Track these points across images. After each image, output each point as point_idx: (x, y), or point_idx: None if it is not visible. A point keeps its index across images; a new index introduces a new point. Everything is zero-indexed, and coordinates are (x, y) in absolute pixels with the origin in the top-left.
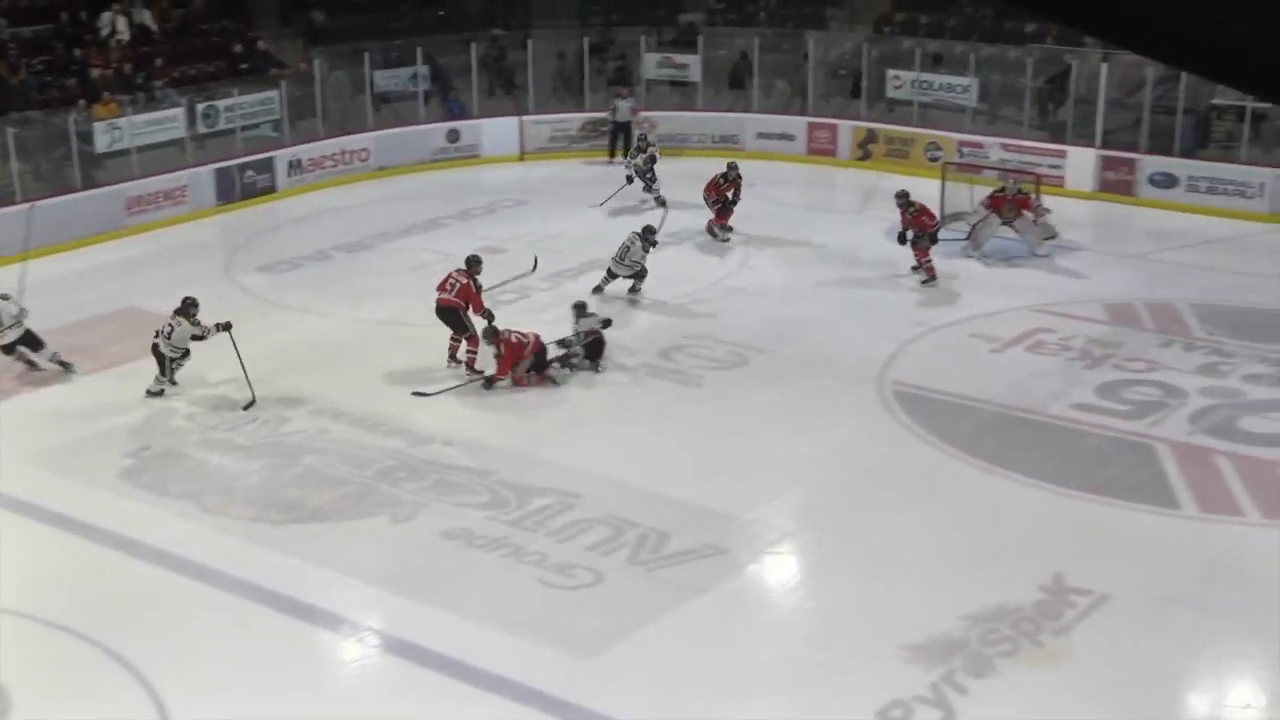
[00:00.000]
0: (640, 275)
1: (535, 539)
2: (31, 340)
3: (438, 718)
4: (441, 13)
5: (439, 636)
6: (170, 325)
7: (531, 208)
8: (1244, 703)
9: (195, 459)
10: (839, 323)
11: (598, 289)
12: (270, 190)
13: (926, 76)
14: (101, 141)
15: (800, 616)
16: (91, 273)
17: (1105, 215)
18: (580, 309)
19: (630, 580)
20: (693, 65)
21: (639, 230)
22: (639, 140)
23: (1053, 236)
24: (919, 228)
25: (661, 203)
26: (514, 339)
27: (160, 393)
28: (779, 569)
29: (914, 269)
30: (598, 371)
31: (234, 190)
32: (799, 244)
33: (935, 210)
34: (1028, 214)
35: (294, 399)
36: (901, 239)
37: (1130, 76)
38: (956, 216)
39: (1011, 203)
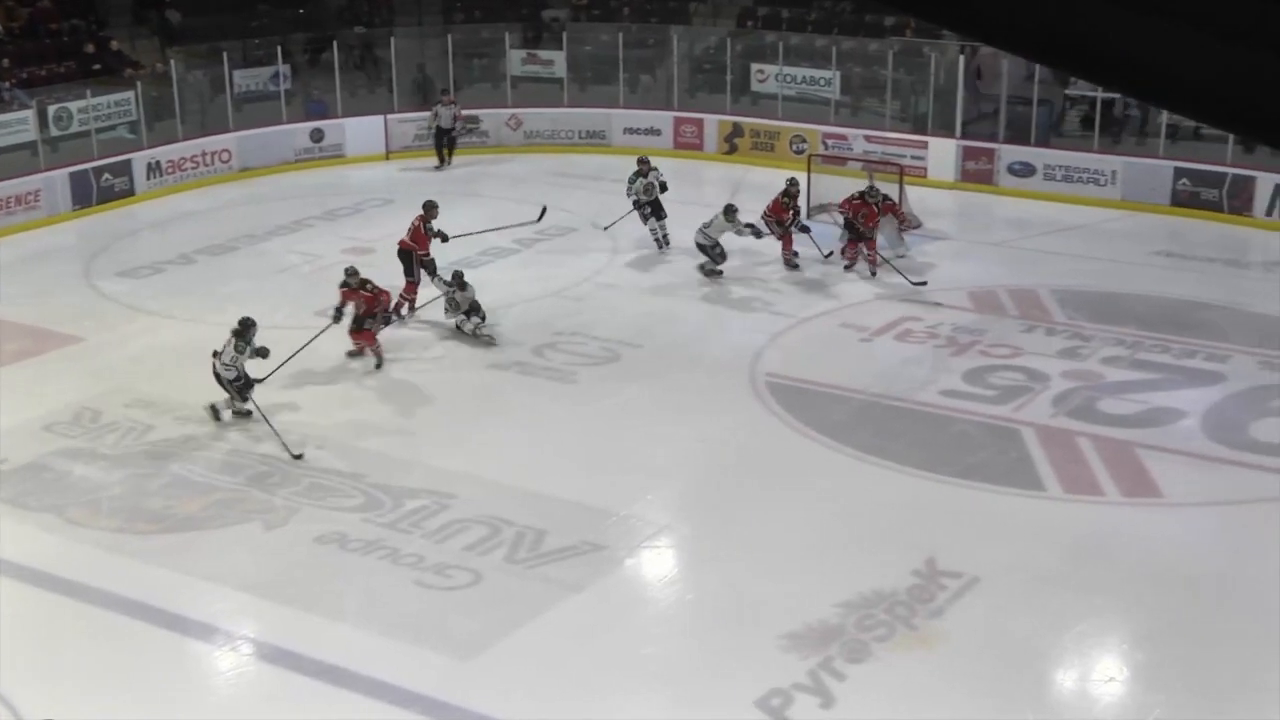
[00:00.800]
0: (715, 255)
1: (411, 540)
2: None
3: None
4: (301, 10)
5: (316, 642)
6: (225, 345)
7: (399, 206)
8: (1108, 676)
9: (57, 470)
10: (710, 316)
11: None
12: (129, 194)
13: (790, 70)
14: None
15: (678, 610)
16: None
17: (967, 204)
18: (458, 278)
19: (508, 579)
20: (558, 61)
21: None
22: (639, 163)
23: (917, 226)
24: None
25: (662, 243)
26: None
27: (216, 414)
28: (656, 563)
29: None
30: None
31: (91, 194)
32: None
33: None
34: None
35: (160, 405)
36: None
37: (989, 68)
38: (824, 208)
39: (866, 208)
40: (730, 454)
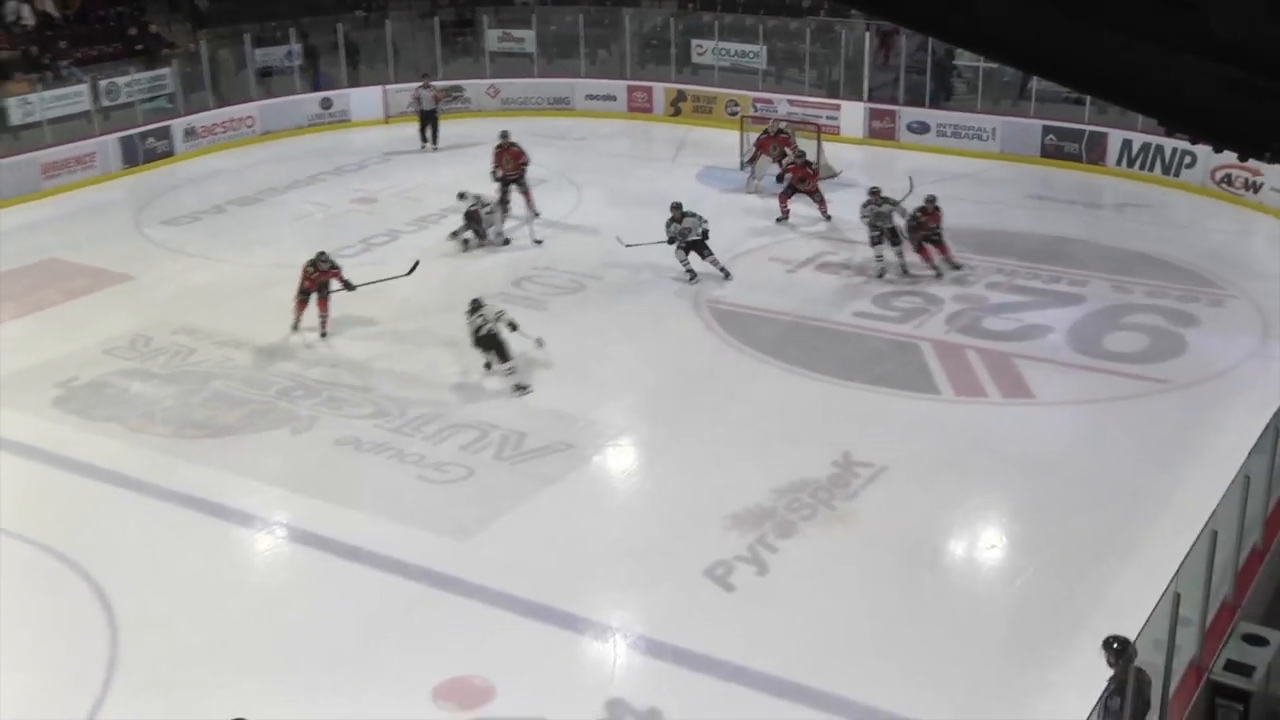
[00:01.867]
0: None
1: (414, 443)
2: None
3: (337, 595)
4: None
5: (336, 528)
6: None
7: (395, 163)
8: (990, 544)
9: (117, 387)
10: (658, 252)
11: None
12: (169, 154)
13: (724, 45)
14: (15, 115)
15: (639, 498)
16: (11, 231)
17: (873, 157)
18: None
19: (496, 474)
20: (528, 39)
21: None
22: (672, 209)
23: (833, 175)
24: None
25: (726, 273)
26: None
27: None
28: (619, 459)
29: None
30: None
31: (137, 155)
32: (624, 188)
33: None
34: (788, 150)
35: (201, 332)
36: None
37: (889, 42)
38: (752, 160)
39: (774, 140)
40: (679, 367)
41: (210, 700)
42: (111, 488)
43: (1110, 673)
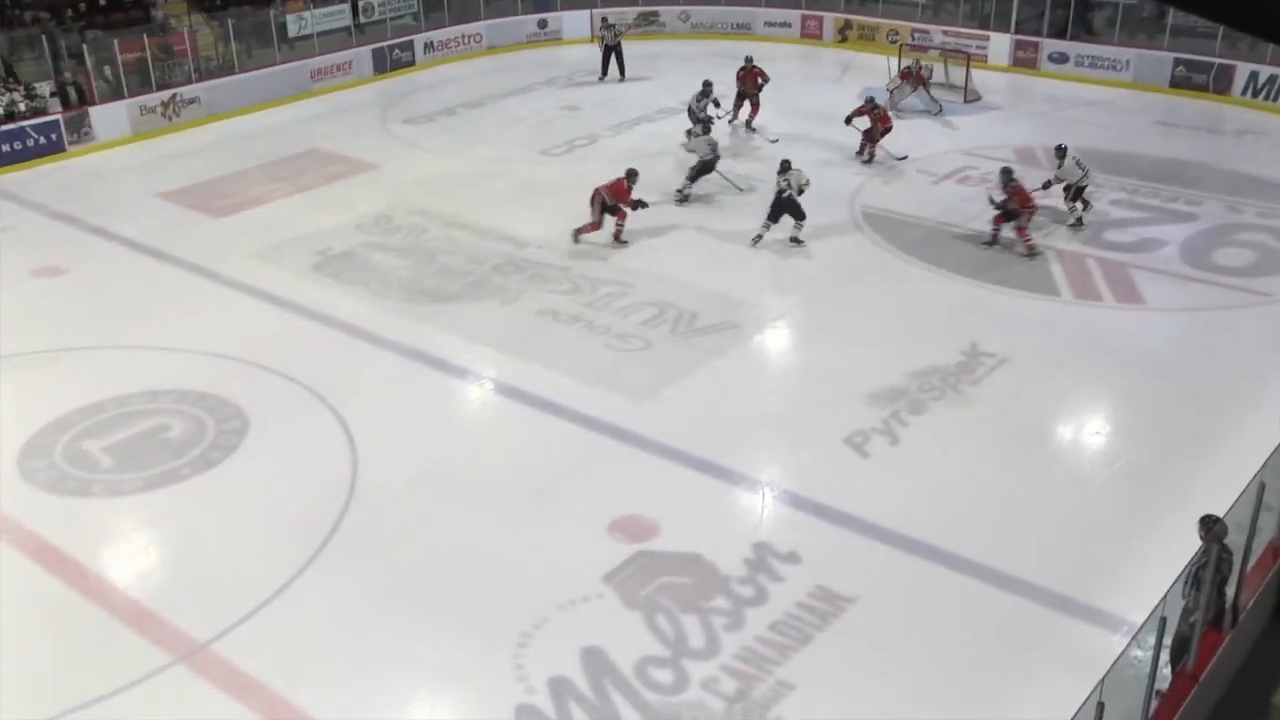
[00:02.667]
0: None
1: (603, 316)
2: None
3: (533, 439)
4: None
5: (536, 384)
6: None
7: (598, 78)
8: (1095, 430)
9: (363, 257)
10: (822, 162)
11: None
12: (412, 64)
13: None
14: (292, 29)
15: (792, 373)
16: (285, 124)
17: (1017, 84)
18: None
19: (671, 346)
20: None
21: None
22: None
23: (978, 98)
24: (1020, 203)
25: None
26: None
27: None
28: (776, 338)
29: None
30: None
31: (386, 64)
32: (796, 103)
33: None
34: (922, 88)
35: (432, 214)
36: (1000, 211)
37: None
38: (896, 85)
39: (915, 78)
40: (832, 262)
41: (425, 522)
42: (354, 340)
43: (1200, 546)
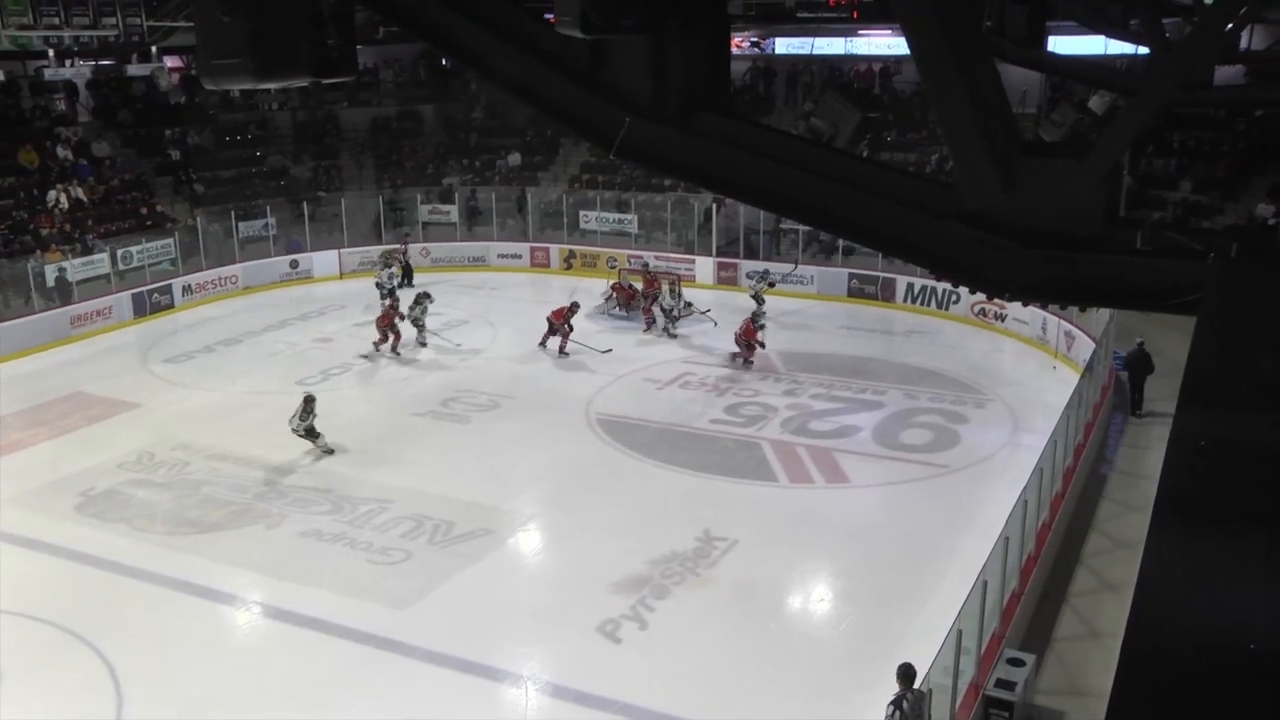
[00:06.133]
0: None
1: (364, 533)
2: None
3: (304, 657)
4: (282, 182)
5: (303, 603)
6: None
7: (350, 310)
8: (820, 598)
9: (125, 494)
10: (557, 377)
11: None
12: (171, 306)
13: (604, 214)
14: (50, 278)
15: (545, 570)
16: (46, 370)
17: (722, 299)
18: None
19: (430, 555)
20: (452, 211)
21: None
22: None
23: (692, 312)
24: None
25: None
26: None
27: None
28: (528, 540)
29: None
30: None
31: (145, 307)
32: (527, 326)
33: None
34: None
35: (194, 448)
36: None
37: (731, 210)
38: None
39: (625, 293)
40: (574, 466)
41: None
42: (116, 576)
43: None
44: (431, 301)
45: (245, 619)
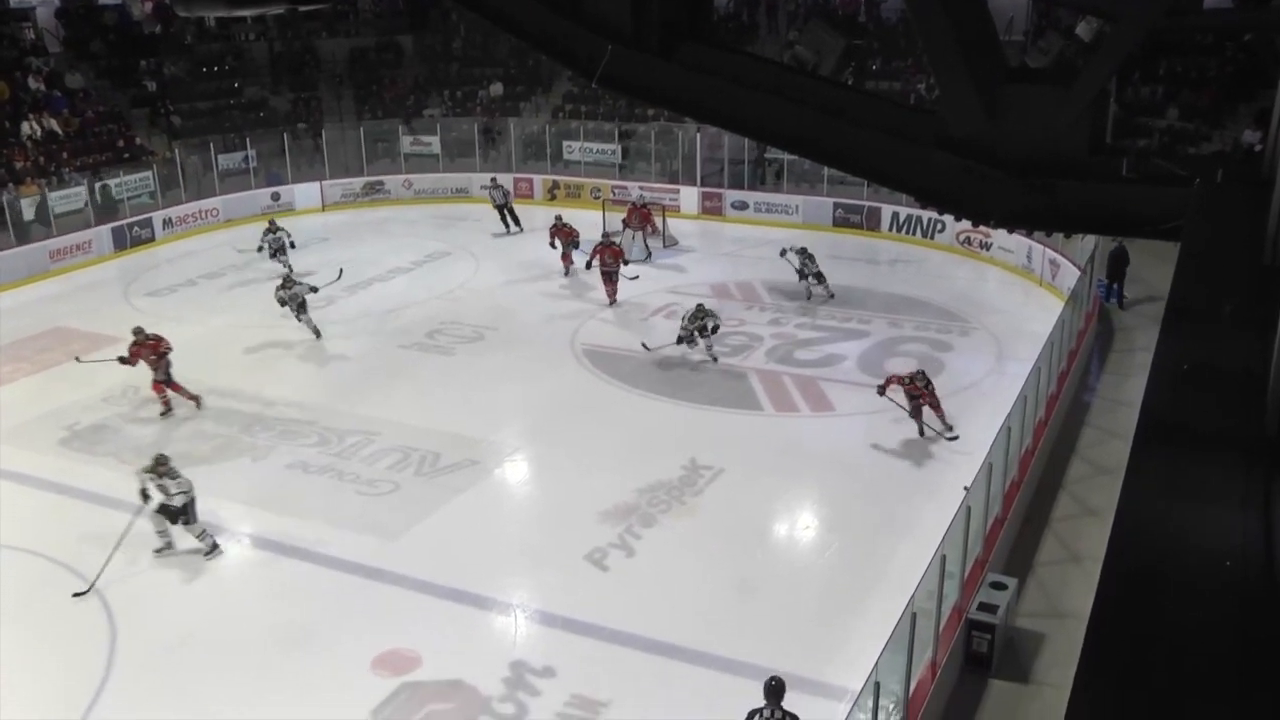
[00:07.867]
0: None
1: (350, 464)
2: None
3: (291, 587)
4: (260, 114)
5: (291, 534)
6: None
7: (330, 242)
8: (805, 525)
9: (112, 428)
10: (541, 307)
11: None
12: (151, 240)
13: (588, 144)
14: (27, 212)
15: (531, 501)
16: (25, 305)
17: (706, 229)
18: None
19: (417, 487)
20: (434, 143)
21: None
22: (698, 308)
23: (675, 244)
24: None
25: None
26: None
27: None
28: (515, 471)
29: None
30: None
31: (125, 241)
32: (511, 257)
33: (600, 232)
34: (648, 226)
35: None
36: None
37: (715, 140)
38: (614, 234)
39: (638, 212)
40: (560, 397)
41: (193, 675)
42: (107, 510)
43: (762, 704)
44: (304, 287)
45: (234, 550)
